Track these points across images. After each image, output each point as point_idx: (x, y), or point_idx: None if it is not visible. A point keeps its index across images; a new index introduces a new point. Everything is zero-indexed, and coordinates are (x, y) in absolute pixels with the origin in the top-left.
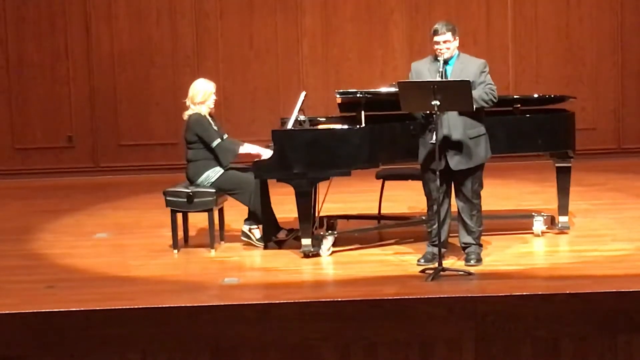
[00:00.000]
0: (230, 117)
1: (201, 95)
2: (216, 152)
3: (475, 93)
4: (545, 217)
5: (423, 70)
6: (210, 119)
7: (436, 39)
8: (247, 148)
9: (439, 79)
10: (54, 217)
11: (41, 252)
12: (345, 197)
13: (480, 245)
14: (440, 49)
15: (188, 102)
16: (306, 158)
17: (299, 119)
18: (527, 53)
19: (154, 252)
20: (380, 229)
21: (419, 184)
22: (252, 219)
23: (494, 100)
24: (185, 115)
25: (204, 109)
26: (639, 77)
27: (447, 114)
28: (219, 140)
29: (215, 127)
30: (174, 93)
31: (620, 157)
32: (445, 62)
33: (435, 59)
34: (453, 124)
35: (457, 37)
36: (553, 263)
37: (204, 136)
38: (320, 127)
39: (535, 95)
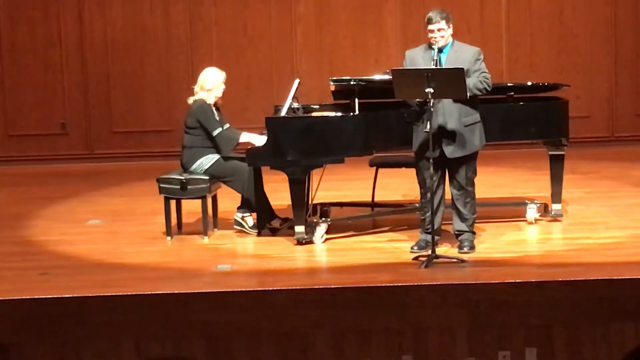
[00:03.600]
0: (224, 104)
1: (211, 83)
2: (217, 141)
3: (470, 81)
4: (538, 205)
5: (417, 58)
6: (214, 108)
7: (430, 27)
8: (246, 137)
9: (433, 67)
10: (48, 204)
11: (34, 239)
12: (338, 184)
13: (474, 233)
14: (435, 37)
15: (196, 88)
16: (300, 145)
17: (292, 106)
18: (521, 41)
19: (148, 239)
20: (374, 217)
21: (412, 172)
22: (245, 206)
23: (488, 88)
24: (190, 99)
25: (211, 97)
26: (632, 65)
27: (443, 101)
28: (220, 129)
29: (217, 117)
30: (167, 80)
31: (614, 145)
32: (440, 50)
33: (430, 47)
34: (448, 112)
35: (451, 25)
36: (546, 251)
37: (206, 124)
38: (314, 114)
39: (529, 83)
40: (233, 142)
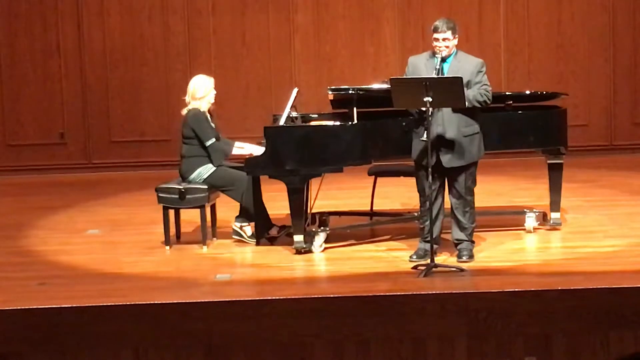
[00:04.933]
0: (223, 113)
1: (202, 91)
2: (209, 151)
3: (470, 93)
4: (537, 214)
5: (420, 66)
6: (209, 116)
7: (436, 35)
8: (239, 149)
9: (434, 75)
10: (46, 214)
11: (33, 248)
12: (337, 193)
13: (473, 242)
14: (439, 47)
15: (188, 99)
16: (298, 155)
17: (291, 115)
18: (519, 50)
19: (146, 248)
20: (373, 226)
21: (411, 180)
22: (243, 216)
23: (488, 101)
24: (185, 110)
25: (204, 105)
26: (630, 74)
27: (442, 110)
28: (213, 139)
29: (213, 125)
30: (166, 90)
31: (612, 154)
32: (443, 59)
33: (434, 54)
34: (448, 121)
35: (456, 36)
36: (545, 259)
37: (200, 133)
38: (313, 123)
39: (527, 92)
40: (224, 154)
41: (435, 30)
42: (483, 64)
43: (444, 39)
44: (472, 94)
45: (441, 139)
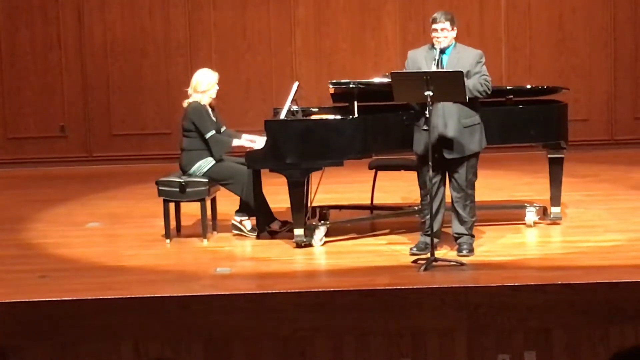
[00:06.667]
0: (224, 107)
1: (205, 85)
2: (209, 144)
3: (470, 82)
4: (537, 208)
5: (419, 59)
6: (210, 109)
7: (434, 26)
8: (242, 141)
9: (434, 67)
10: (47, 207)
11: (34, 241)
12: (337, 187)
13: (473, 236)
14: (438, 37)
15: (190, 91)
16: (299, 148)
17: (291, 109)
18: (520, 44)
19: (147, 241)
20: (373, 219)
21: (411, 175)
22: (243, 210)
23: (488, 91)
24: (185, 103)
25: (205, 99)
26: (631, 69)
27: (443, 102)
28: (213, 131)
29: (214, 118)
30: (166, 83)
31: (613, 149)
32: (442, 51)
33: (433, 47)
34: (448, 113)
35: (455, 28)
36: (545, 254)
37: (200, 126)
38: (313, 117)
39: (528, 87)
40: (225, 146)
41: (434, 21)
42: (482, 54)
43: (442, 29)
44: (472, 83)
45: (442, 130)
